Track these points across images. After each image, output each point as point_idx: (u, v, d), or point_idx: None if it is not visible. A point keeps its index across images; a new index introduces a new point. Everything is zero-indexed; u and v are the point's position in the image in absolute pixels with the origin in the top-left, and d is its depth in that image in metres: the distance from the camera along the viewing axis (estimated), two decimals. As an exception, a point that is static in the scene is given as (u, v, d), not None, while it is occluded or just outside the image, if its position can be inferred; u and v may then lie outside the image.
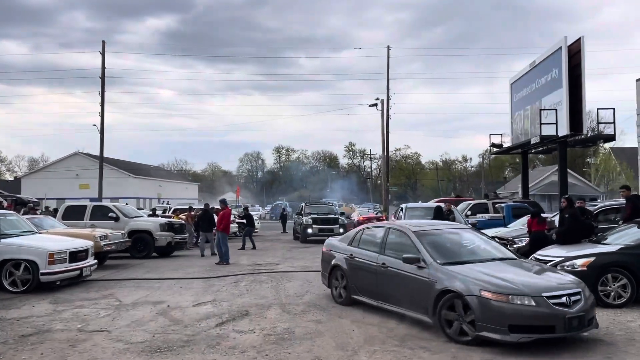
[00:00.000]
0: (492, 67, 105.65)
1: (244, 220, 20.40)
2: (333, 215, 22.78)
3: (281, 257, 15.84)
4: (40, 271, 9.71)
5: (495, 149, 24.56)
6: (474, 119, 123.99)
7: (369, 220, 27.60)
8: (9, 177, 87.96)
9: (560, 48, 18.99)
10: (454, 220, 11.97)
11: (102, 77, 37.04)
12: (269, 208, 57.82)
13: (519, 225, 12.95)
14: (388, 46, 38.45)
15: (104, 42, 37.40)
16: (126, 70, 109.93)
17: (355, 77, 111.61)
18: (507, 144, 24.72)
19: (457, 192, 66.31)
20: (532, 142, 19.73)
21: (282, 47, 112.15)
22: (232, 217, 28.20)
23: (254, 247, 19.20)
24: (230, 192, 76.33)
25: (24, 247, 9.89)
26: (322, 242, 17.39)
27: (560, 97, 18.95)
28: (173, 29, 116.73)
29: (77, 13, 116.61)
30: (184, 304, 8.71)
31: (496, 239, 11.63)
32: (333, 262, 8.73)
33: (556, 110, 18.88)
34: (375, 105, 31.88)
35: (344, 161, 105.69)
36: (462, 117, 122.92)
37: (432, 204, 14.89)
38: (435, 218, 11.58)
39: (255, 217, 28.34)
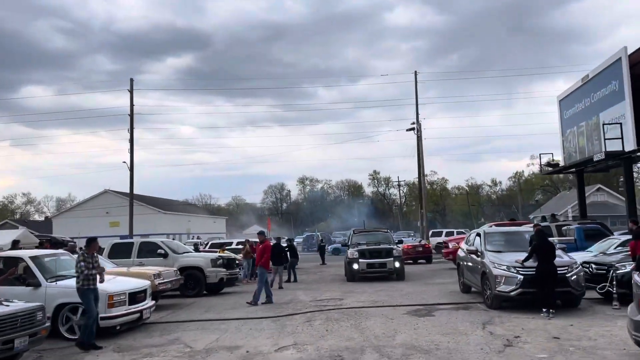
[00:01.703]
0: (510, 90, 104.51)
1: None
2: (386, 246, 17.61)
3: (339, 290, 14.77)
4: (100, 315, 8.85)
5: (549, 169, 23.33)
6: (494, 142, 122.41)
7: (413, 249, 26.32)
8: (38, 217, 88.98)
9: (620, 59, 17.97)
10: None
11: (131, 114, 37.21)
12: (301, 239, 56.69)
13: (610, 249, 11.73)
14: (415, 71, 37.73)
15: (132, 80, 37.74)
16: (148, 109, 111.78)
17: (373, 106, 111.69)
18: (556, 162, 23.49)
19: (498, 216, 64.34)
20: (596, 159, 18.53)
21: (299, 80, 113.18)
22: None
23: (295, 280, 18.40)
24: (256, 225, 75.67)
25: (82, 289, 9.06)
26: (375, 279, 16.53)
27: (623, 110, 17.83)
28: (192, 67, 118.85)
29: (99, 56, 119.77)
30: (264, 349, 7.73)
31: (592, 266, 10.51)
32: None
33: (620, 124, 17.74)
34: (413, 129, 31.03)
35: (368, 189, 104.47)
36: (482, 141, 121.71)
37: (516, 228, 13.31)
38: (535, 243, 10.08)
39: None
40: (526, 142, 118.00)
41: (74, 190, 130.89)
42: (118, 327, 9.18)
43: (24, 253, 10.22)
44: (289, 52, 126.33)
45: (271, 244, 14.23)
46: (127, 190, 38.60)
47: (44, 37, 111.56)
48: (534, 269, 9.53)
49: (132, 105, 37.18)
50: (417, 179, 39.18)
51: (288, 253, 19.12)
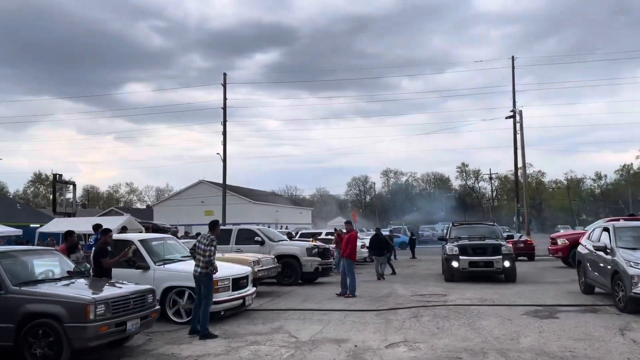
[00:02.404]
0: (614, 76, 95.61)
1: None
2: (492, 241, 14.96)
3: (440, 286, 13.95)
4: (205, 300, 8.82)
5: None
6: (594, 133, 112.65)
7: (514, 245, 24.65)
8: (140, 206, 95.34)
9: None
10: None
11: (224, 107, 38.35)
12: (387, 232, 55.65)
13: None
14: (512, 56, 35.48)
15: (225, 74, 38.84)
16: (237, 104, 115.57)
17: (461, 95, 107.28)
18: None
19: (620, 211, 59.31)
20: None
21: (384, 71, 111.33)
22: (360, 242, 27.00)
23: (394, 273, 17.74)
24: (340, 217, 75.66)
25: (188, 273, 9.07)
26: (479, 277, 14.76)
27: None
28: (278, 62, 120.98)
29: (192, 54, 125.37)
30: (373, 345, 7.25)
31: None
32: None
33: None
34: (512, 117, 29.07)
35: (456, 183, 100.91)
36: (583, 131, 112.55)
37: None
38: None
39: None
40: (632, 133, 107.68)
41: (171, 181, 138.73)
42: (222, 313, 9.14)
43: (134, 236, 10.52)
44: (373, 44, 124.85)
45: (356, 233, 13.71)
46: (221, 181, 39.96)
47: (143, 37, 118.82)
48: (682, 270, 8.25)
49: (225, 98, 38.34)
50: (514, 172, 36.79)
51: (391, 244, 19.03)
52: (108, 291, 6.95)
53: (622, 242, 9.76)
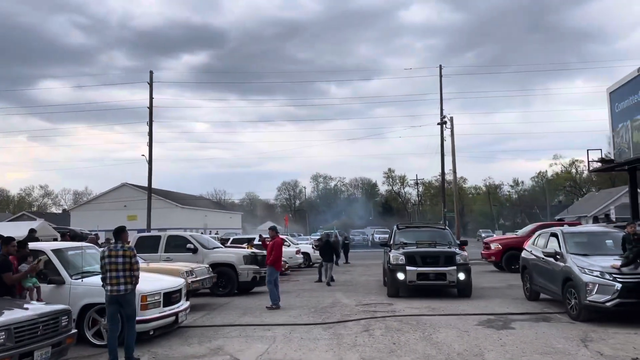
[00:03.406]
0: (527, 89, 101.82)
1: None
2: (445, 249, 12.77)
3: (382, 294, 13.38)
4: (132, 319, 7.65)
5: (600, 165, 21.64)
6: (510, 142, 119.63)
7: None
8: (55, 210, 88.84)
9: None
10: None
11: (150, 107, 36.39)
12: (317, 237, 55.31)
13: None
14: (440, 65, 36.25)
15: (151, 72, 36.85)
16: (163, 106, 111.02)
17: (388, 101, 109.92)
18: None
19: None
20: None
21: (313, 78, 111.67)
22: (311, 246, 26.18)
23: (332, 280, 16.89)
24: (269, 221, 74.55)
25: (111, 288, 7.85)
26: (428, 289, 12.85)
27: (691, 102, 16.27)
28: (207, 64, 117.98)
29: (116, 52, 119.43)
30: (329, 367, 6.47)
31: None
32: None
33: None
34: (445, 123, 29.57)
35: (383, 188, 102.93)
36: (499, 140, 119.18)
37: (599, 228, 11.66)
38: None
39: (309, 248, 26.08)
40: (543, 142, 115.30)
41: (91, 184, 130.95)
42: (152, 332, 8.00)
43: (46, 245, 9.08)
44: (303, 50, 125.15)
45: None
46: (145, 184, 37.80)
47: (62, 33, 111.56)
48: (636, 276, 8.16)
49: (151, 97, 36.41)
50: (441, 177, 37.65)
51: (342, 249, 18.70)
52: (10, 314, 5.68)
53: (572, 248, 9.64)
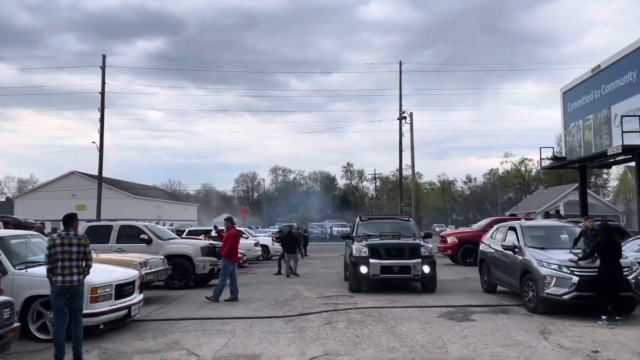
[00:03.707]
0: (480, 88, 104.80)
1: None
2: (409, 240, 12.40)
3: (342, 286, 13.31)
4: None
5: (552, 162, 22.31)
6: (463, 139, 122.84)
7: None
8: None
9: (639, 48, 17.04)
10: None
11: (102, 92, 35.12)
12: (276, 230, 54.97)
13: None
14: (400, 61, 36.58)
15: (104, 56, 35.55)
16: (117, 92, 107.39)
17: (347, 95, 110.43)
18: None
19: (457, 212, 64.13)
20: (610, 153, 17.58)
21: (272, 70, 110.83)
22: (270, 239, 25.80)
23: (285, 274, 16.34)
24: (226, 214, 73.56)
25: (58, 279, 7.35)
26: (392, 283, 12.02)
27: (639, 103, 16.93)
28: (163, 51, 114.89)
29: (66, 35, 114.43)
30: (291, 361, 6.26)
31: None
32: None
33: (639, 117, 16.82)
34: (405, 118, 29.80)
35: (341, 182, 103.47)
36: (452, 137, 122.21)
37: (555, 222, 11.92)
38: (600, 240, 8.50)
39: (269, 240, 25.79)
40: (493, 141, 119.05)
41: (37, 172, 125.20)
42: (102, 326, 7.56)
43: (-14, 233, 8.42)
44: (263, 40, 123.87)
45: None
46: (95, 172, 36.49)
47: (8, 13, 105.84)
48: (592, 270, 8.34)
49: (103, 82, 35.19)
50: (398, 172, 38.15)
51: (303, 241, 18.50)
52: (-57, 308, 5.17)
53: (530, 242, 9.79)
